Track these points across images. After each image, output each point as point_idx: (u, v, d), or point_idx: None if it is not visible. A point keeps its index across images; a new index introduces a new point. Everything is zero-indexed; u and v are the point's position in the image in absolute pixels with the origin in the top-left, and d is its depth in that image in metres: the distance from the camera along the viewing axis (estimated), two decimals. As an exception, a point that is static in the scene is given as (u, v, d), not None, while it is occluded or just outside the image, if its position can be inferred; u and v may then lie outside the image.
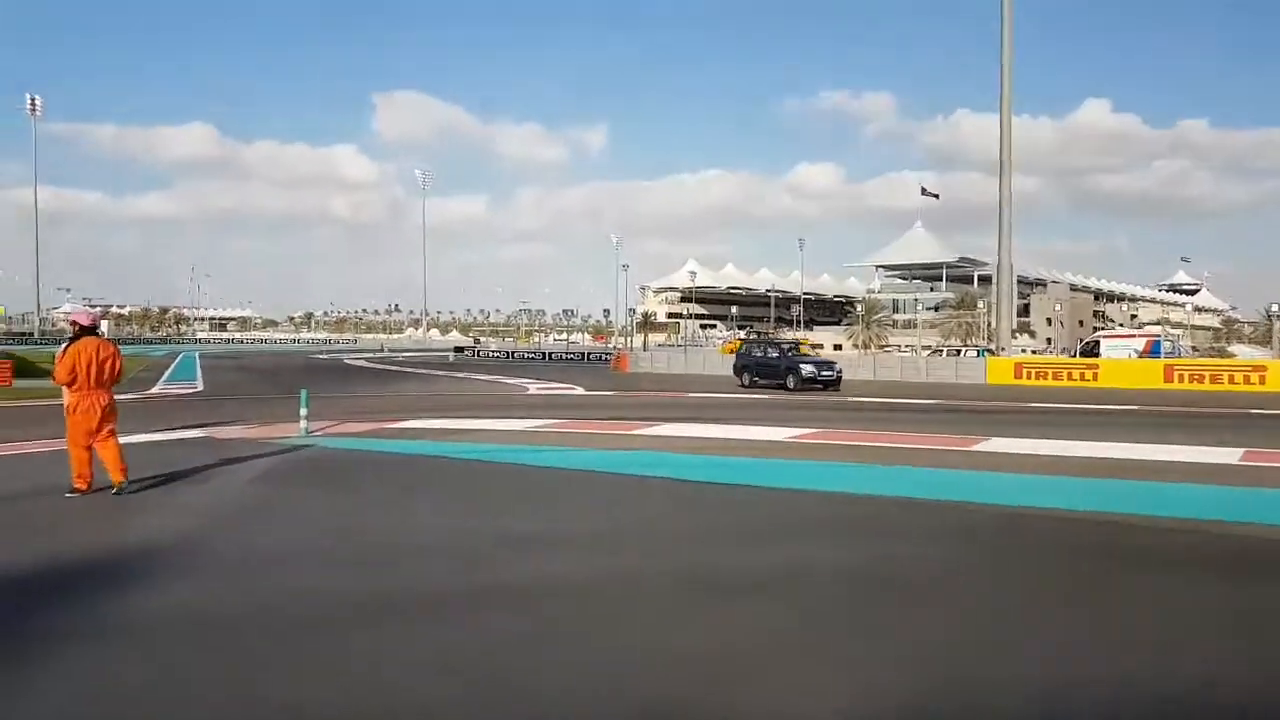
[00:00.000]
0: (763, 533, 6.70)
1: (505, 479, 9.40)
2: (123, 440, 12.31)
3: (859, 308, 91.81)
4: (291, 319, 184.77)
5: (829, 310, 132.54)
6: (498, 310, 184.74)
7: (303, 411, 13.17)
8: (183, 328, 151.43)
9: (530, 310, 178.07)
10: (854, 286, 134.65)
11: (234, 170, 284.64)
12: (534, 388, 28.82)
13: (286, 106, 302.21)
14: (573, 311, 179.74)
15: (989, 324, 79.72)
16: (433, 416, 16.46)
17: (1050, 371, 35.11)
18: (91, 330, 8.42)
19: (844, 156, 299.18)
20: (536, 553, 6.03)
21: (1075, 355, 49.90)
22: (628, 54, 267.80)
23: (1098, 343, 48.66)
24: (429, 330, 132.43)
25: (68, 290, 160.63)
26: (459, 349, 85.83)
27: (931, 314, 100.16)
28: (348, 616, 4.60)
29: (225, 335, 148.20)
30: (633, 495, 8.34)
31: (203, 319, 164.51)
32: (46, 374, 34.71)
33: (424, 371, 43.06)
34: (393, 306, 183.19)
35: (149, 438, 12.77)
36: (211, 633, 4.35)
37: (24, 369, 34.38)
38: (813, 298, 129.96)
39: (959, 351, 53.31)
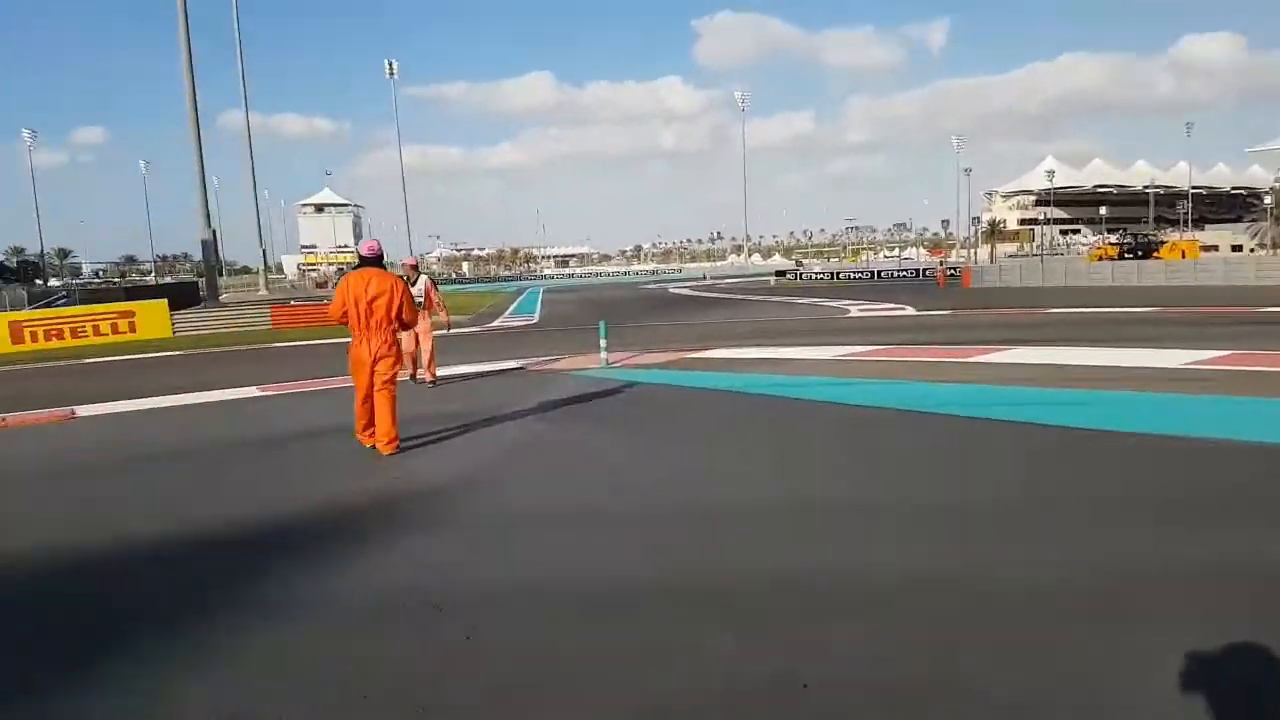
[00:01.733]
0: (1190, 507, 4.52)
1: (808, 419, 7.85)
2: (449, 370, 13.06)
3: (1266, 200, 75.44)
4: (623, 252, 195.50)
5: (1225, 205, 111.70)
6: (822, 230, 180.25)
7: (602, 343, 12.71)
8: (531, 265, 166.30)
9: (858, 227, 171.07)
10: (1258, 176, 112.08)
11: (571, 115, 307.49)
12: (855, 309, 26.59)
13: (613, 45, 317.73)
14: (906, 225, 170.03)
15: None
16: (739, 344, 15.28)
17: None
18: (374, 261, 7.02)
19: (1244, 21, 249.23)
20: (855, 533, 4.48)
21: None
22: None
23: None
24: (750, 256, 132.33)
25: (437, 237, 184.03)
26: (780, 273, 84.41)
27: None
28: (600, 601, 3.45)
29: (566, 271, 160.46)
30: (974, 446, 6.41)
31: (548, 256, 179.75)
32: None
33: (740, 297, 42.27)
34: (715, 234, 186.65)
35: (470, 369, 13.08)
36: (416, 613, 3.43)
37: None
38: (1204, 191, 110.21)
39: None
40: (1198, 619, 3.10)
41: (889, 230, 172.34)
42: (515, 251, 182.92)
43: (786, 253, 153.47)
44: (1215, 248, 70.26)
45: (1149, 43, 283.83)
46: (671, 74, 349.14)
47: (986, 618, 3.24)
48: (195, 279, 51.54)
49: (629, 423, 7.96)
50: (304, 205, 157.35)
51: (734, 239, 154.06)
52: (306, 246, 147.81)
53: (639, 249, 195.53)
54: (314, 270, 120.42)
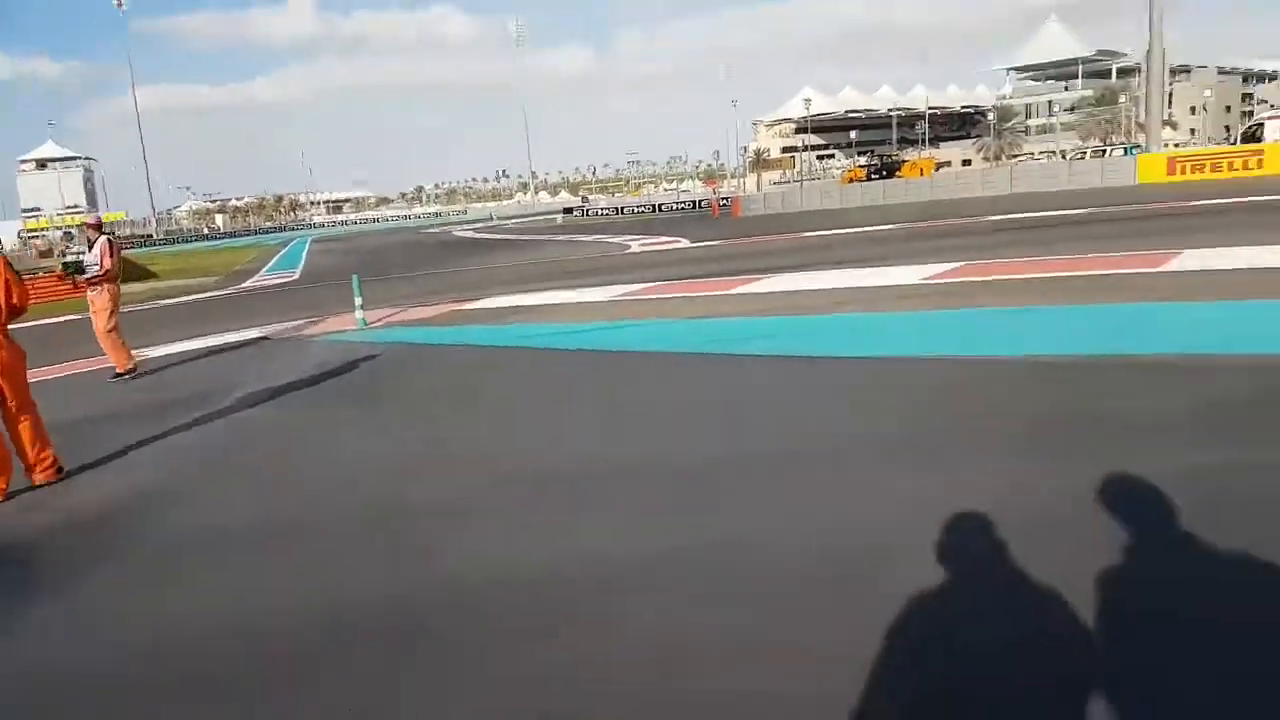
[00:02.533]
0: (937, 437, 4.43)
1: (565, 370, 7.39)
2: (179, 346, 11.49)
3: (989, 117, 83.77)
4: (403, 195, 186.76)
5: (957, 124, 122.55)
6: (606, 165, 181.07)
7: (357, 301, 11.59)
8: (298, 214, 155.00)
9: (639, 161, 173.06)
10: (983, 96, 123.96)
11: (336, 44, 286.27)
12: (636, 245, 26.66)
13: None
14: (682, 158, 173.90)
15: (1130, 119, 71.29)
16: (515, 290, 14.60)
17: (1208, 163, 30.92)
18: None
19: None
20: (594, 510, 4.02)
21: (1235, 143, 44.26)
22: None
23: (1261, 125, 42.58)
24: (537, 193, 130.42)
25: (188, 188, 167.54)
26: (567, 210, 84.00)
27: (1068, 115, 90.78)
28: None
29: (340, 218, 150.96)
30: (730, 385, 6.19)
31: (317, 203, 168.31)
32: (153, 274, 35.48)
33: (526, 238, 41.45)
34: (501, 173, 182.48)
35: (199, 344, 11.56)
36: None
37: (124, 274, 34.93)
38: (938, 112, 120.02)
39: (1104, 152, 47.34)
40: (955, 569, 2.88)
41: (668, 163, 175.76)
42: (279, 199, 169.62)
43: (574, 189, 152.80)
44: (949, 163, 77.21)
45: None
46: (443, 1, 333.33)
47: (745, 610, 2.88)
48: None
49: (365, 399, 7.13)
50: (23, 162, 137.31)
51: (520, 177, 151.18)
52: (28, 210, 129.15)
53: (420, 190, 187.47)
54: (38, 237, 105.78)
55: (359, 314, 11.54)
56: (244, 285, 25.74)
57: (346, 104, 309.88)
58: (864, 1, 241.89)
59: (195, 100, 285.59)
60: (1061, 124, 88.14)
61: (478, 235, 50.53)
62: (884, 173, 54.45)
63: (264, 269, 34.02)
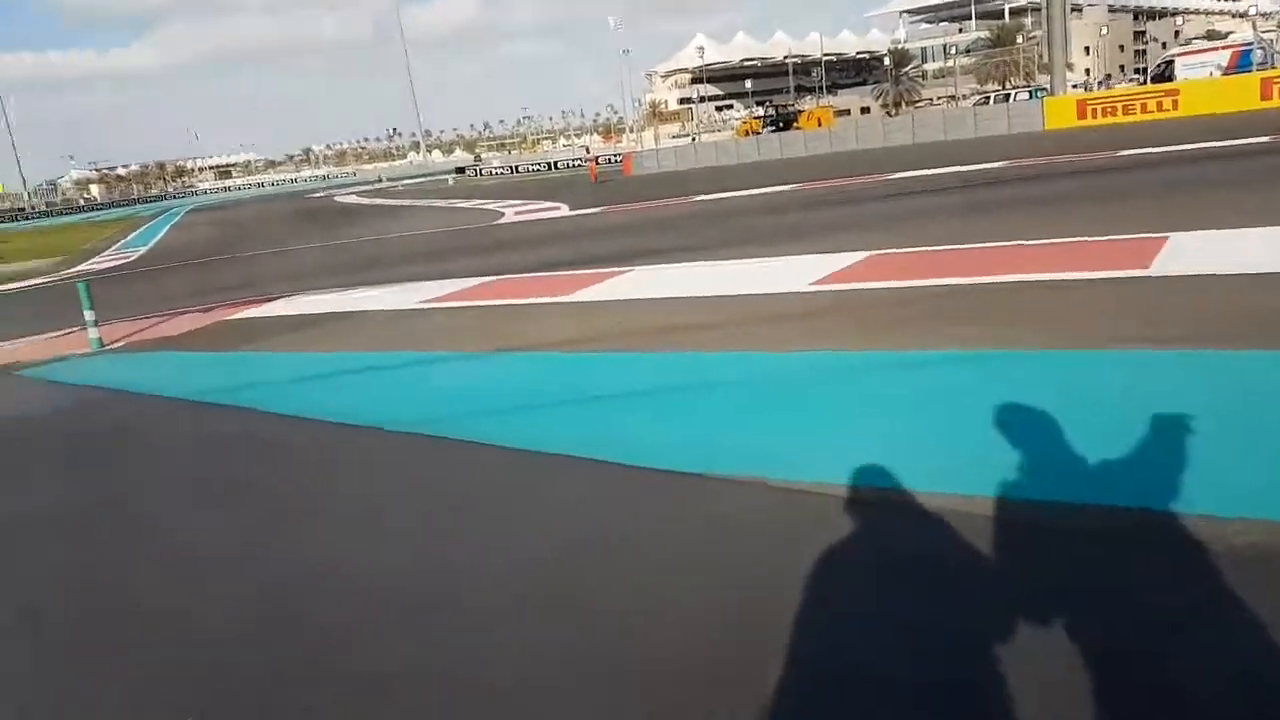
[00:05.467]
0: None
1: (230, 465, 4.94)
2: None
3: (886, 62, 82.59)
4: (291, 158, 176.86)
5: (853, 70, 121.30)
6: (501, 121, 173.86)
7: (87, 315, 8.88)
8: (184, 181, 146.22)
9: (532, 117, 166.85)
10: (877, 40, 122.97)
11: (210, 4, 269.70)
12: (512, 213, 24.33)
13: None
14: (578, 112, 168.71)
15: (1029, 61, 71.02)
16: (335, 284, 12.00)
17: (1120, 106, 29.73)
18: None
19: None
20: None
21: (1144, 82, 43.96)
22: None
23: (1171, 63, 42.07)
24: (430, 153, 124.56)
25: (71, 157, 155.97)
26: (460, 169, 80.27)
27: (965, 59, 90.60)
28: None
29: (226, 183, 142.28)
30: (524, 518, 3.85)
31: (205, 169, 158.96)
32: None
33: (405, 203, 38.79)
34: (393, 131, 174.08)
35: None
36: None
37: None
38: (834, 58, 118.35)
39: (1008, 96, 46.30)
40: None
41: (563, 116, 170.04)
42: (162, 166, 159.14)
43: (469, 147, 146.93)
44: (848, 112, 76.00)
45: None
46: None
47: None
48: None
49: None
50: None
51: (412, 135, 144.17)
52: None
53: (309, 152, 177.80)
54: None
55: (92, 333, 8.86)
56: (73, 270, 22.43)
57: (231, 66, 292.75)
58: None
59: (77, 66, 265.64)
60: (961, 68, 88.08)
61: (359, 200, 47.81)
62: (780, 124, 52.31)
63: (114, 247, 31.01)
